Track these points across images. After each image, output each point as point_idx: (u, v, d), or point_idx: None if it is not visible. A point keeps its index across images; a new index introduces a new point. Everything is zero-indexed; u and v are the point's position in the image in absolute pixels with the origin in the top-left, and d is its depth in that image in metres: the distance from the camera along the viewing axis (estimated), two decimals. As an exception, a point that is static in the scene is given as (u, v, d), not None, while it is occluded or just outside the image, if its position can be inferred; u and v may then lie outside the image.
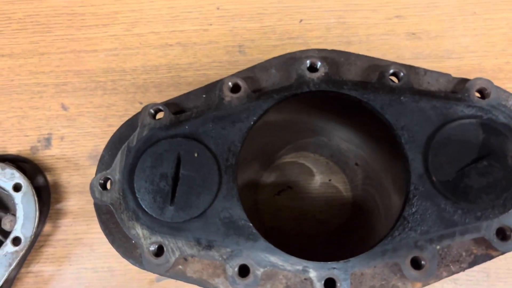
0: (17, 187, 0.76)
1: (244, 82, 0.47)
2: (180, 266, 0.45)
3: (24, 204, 0.76)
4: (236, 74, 0.48)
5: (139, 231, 0.45)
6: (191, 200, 0.45)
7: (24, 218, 0.75)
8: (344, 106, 0.51)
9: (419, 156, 0.45)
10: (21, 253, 0.74)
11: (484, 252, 0.44)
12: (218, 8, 0.90)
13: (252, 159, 0.76)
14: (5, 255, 0.74)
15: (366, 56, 0.49)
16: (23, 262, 0.79)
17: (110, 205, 0.46)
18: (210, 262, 0.45)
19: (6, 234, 0.76)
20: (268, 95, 0.47)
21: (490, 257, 0.44)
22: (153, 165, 0.46)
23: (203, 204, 0.45)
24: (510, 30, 0.86)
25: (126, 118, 0.54)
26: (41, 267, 0.82)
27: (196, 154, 0.46)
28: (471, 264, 0.44)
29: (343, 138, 0.72)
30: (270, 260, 0.43)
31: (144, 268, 0.45)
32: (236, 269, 0.43)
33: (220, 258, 0.44)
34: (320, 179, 0.82)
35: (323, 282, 0.43)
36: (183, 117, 0.47)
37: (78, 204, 0.84)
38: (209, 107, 0.47)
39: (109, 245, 0.81)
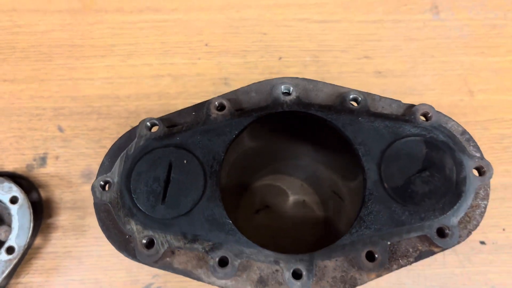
0: (13, 200, 0.82)
1: (228, 102, 0.56)
2: (168, 259, 0.52)
3: (20, 216, 0.81)
4: (222, 96, 0.57)
5: (133, 226, 0.52)
6: (179, 200, 0.52)
7: (18, 229, 0.80)
8: (312, 126, 0.59)
9: (374, 167, 0.53)
10: (14, 261, 0.79)
11: (427, 249, 0.52)
12: (206, 45, 1.00)
13: (234, 181, 0.83)
14: (-1, 263, 0.78)
15: (331, 84, 0.58)
16: (14, 272, 0.83)
17: (109, 204, 0.53)
18: (194, 254, 0.51)
19: (0, 243, 0.81)
20: (248, 113, 0.55)
21: (432, 253, 0.52)
22: (148, 170, 0.53)
23: (190, 204, 0.52)
24: (464, 71, 0.97)
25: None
26: (30, 278, 0.86)
27: (185, 161, 0.53)
28: (417, 259, 0.51)
29: (314, 160, 0.80)
30: (246, 252, 0.51)
31: (136, 260, 0.52)
32: (217, 259, 0.50)
33: (203, 250, 0.51)
34: (295, 199, 0.90)
35: (291, 271, 0.50)
36: (175, 130, 0.55)
37: (69, 219, 0.89)
38: (198, 122, 0.55)
39: (97, 258, 0.87)
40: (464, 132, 0.56)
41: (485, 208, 0.53)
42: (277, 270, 0.51)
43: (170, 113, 0.57)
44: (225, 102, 0.56)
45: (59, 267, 0.87)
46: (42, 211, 0.89)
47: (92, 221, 0.89)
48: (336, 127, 0.55)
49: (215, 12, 1.02)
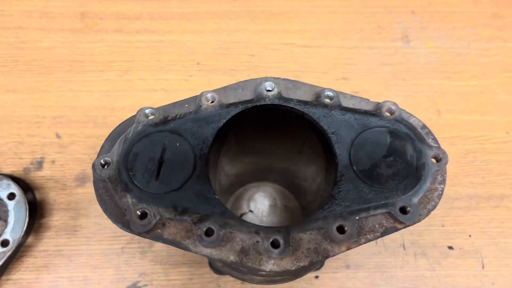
0: (11, 196, 0.87)
1: (218, 95, 0.63)
2: (159, 230, 0.57)
3: (16, 211, 0.85)
4: (213, 90, 0.64)
5: (129, 200, 0.57)
6: (171, 178, 0.58)
7: (14, 223, 0.85)
8: (291, 121, 0.66)
9: (345, 153, 0.60)
10: (8, 254, 0.82)
11: (392, 225, 0.58)
12: (198, 63, 1.09)
13: (222, 187, 0.89)
14: (-7, 255, 0.82)
15: (309, 84, 0.66)
16: (6, 267, 0.87)
17: (107, 180, 0.58)
18: (183, 226, 0.57)
19: (-4, 237, 0.85)
20: (235, 105, 0.63)
21: (396, 229, 0.58)
22: (144, 151, 0.59)
23: (180, 181, 0.58)
24: (432, 93, 1.07)
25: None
26: (21, 275, 0.89)
27: (178, 144, 0.60)
28: (383, 234, 0.57)
29: (293, 167, 0.87)
30: (230, 224, 0.56)
31: (130, 230, 0.57)
32: (204, 229, 0.56)
33: (191, 222, 0.56)
34: (277, 204, 0.96)
35: (270, 241, 0.55)
36: (169, 118, 0.62)
37: (61, 219, 0.94)
38: (190, 112, 0.63)
39: (87, 257, 0.91)
40: (424, 126, 0.64)
41: (442, 191, 0.60)
42: (257, 242, 0.56)
43: (165, 105, 0.64)
44: (215, 95, 0.63)
45: (49, 265, 0.90)
46: (36, 212, 0.93)
47: (84, 221, 0.94)
48: (312, 119, 0.62)
49: (207, 35, 1.12)
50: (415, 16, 1.16)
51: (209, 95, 0.63)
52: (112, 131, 0.63)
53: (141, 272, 0.89)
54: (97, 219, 0.93)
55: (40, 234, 0.92)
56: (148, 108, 0.63)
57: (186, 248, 0.56)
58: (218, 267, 0.76)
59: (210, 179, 0.59)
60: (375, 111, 0.63)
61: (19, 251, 0.90)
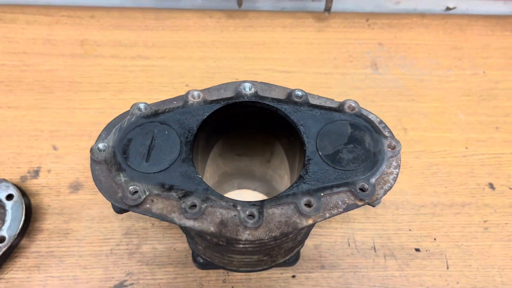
0: (9, 197, 0.93)
1: (202, 93, 0.73)
2: (148, 205, 0.64)
3: (13, 210, 0.92)
4: (198, 90, 0.74)
5: (122, 178, 0.65)
6: (160, 160, 0.66)
7: (11, 221, 0.91)
8: (266, 119, 0.76)
9: (312, 141, 0.69)
10: (4, 249, 0.88)
11: (353, 202, 0.66)
12: (187, 85, 1.19)
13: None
14: (-11, 251, 0.87)
15: (281, 86, 0.76)
16: (0, 263, 0.92)
17: (103, 161, 0.66)
18: (169, 202, 0.64)
19: (-8, 234, 0.90)
20: (217, 101, 0.72)
21: (357, 206, 0.66)
22: (137, 137, 0.68)
23: (168, 163, 0.66)
24: (398, 113, 1.18)
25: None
26: (13, 274, 0.94)
27: (166, 132, 0.69)
28: (345, 210, 0.65)
29: (268, 170, 0.96)
30: (211, 199, 0.64)
31: (122, 205, 0.64)
32: (188, 203, 0.63)
33: (177, 197, 0.64)
34: (257, 210, 1.03)
35: (246, 213, 0.63)
36: (159, 111, 0.71)
37: (54, 223, 1.00)
38: (177, 107, 0.72)
39: (77, 258, 0.97)
40: (381, 122, 0.74)
41: (397, 175, 0.69)
42: (235, 215, 0.64)
43: (156, 102, 0.73)
44: (200, 93, 0.73)
45: (40, 265, 0.95)
46: (30, 216, 0.99)
47: (76, 225, 1.00)
48: (284, 114, 0.72)
49: (195, 61, 1.24)
50: (383, 47, 1.30)
51: (195, 93, 0.73)
52: (109, 122, 0.72)
53: (129, 272, 0.95)
54: (88, 223, 1.00)
55: (33, 236, 0.98)
56: (141, 103, 0.72)
57: (171, 221, 0.64)
58: (200, 253, 0.82)
59: (194, 163, 0.68)
60: (338, 108, 0.73)
61: (12, 252, 0.95)
